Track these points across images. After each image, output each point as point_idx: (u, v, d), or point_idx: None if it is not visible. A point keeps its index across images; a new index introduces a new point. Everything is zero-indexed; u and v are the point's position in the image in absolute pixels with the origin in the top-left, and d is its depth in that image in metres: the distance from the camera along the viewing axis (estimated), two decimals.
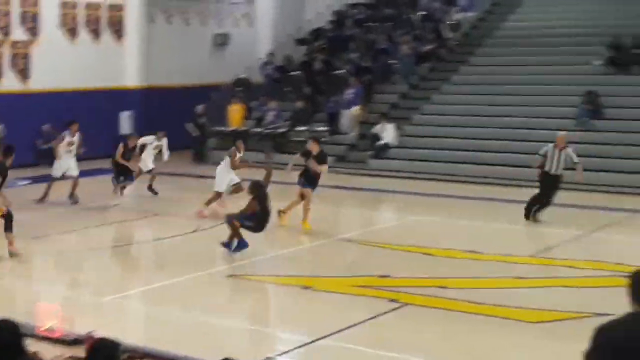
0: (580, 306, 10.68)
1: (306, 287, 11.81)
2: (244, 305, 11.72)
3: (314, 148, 16.34)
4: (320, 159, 16.20)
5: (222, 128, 27.12)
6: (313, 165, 15.83)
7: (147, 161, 19.30)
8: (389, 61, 28.12)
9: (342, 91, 26.50)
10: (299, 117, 26.37)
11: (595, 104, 23.13)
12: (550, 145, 16.55)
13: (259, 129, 26.44)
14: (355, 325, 9.99)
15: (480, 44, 28.90)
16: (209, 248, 14.01)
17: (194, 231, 15.30)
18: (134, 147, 18.64)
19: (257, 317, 11.03)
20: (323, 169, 16.18)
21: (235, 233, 13.08)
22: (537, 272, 12.84)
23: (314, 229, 15.30)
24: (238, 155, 17.45)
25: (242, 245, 13.07)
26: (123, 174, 18.39)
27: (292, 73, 29.29)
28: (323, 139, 24.47)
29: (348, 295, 11.46)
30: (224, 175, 17.26)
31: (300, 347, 9.36)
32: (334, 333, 9.63)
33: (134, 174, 18.77)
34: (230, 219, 13.15)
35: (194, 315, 10.34)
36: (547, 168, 16.46)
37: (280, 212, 15.62)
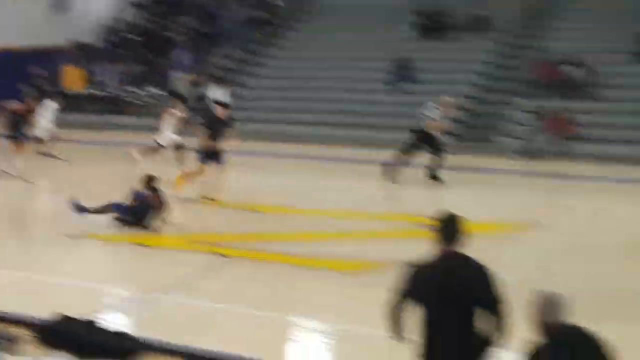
0: (387, 255, 11.08)
1: (140, 244, 11.90)
2: (77, 262, 11.51)
3: (221, 113, 15.11)
4: (227, 125, 15.07)
5: (62, 91, 26.59)
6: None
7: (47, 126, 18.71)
8: (224, 26, 28.31)
9: (178, 55, 26.51)
10: (137, 80, 26.22)
11: (406, 69, 24.22)
12: (431, 105, 16.91)
13: (97, 92, 26.14)
14: (185, 278, 10.23)
15: (309, 11, 29.39)
16: (47, 207, 13.93)
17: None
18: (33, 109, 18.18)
19: (90, 274, 10.86)
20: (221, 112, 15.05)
21: (102, 211, 12.69)
22: (350, 225, 13.22)
23: None
24: (174, 113, 16.91)
25: (81, 209, 12.79)
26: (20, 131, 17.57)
27: (130, 37, 28.97)
28: (159, 103, 24.58)
29: (180, 251, 11.67)
30: (166, 131, 17.02)
31: (131, 301, 9.47)
32: (165, 287, 9.83)
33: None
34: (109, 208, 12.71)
35: (27, 273, 10.26)
36: (429, 128, 16.68)
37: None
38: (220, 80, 25.28)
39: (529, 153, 20.49)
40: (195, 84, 25.90)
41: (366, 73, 24.89)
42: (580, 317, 8.70)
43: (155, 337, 7.92)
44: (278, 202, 14.69)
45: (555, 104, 21.49)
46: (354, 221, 13.71)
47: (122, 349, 7.69)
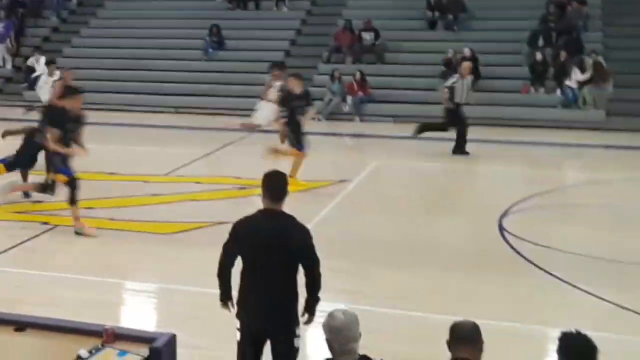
0: (205, 217, 11.33)
1: None
2: None
3: (296, 87, 12.60)
4: (307, 100, 12.85)
5: None
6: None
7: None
8: None
9: None
10: None
11: (219, 37, 24.31)
12: (456, 75, 16.07)
13: None
14: (11, 248, 10.07)
15: None
16: None
17: None
18: None
19: None
20: (309, 115, 12.93)
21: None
22: (170, 189, 13.22)
23: None
24: (274, 84, 14.22)
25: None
26: None
27: None
28: None
29: (4, 222, 11.39)
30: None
31: None
32: None
33: None
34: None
35: None
36: (457, 99, 15.60)
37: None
38: (39, 49, 24.44)
39: (334, 114, 21.16)
40: (14, 52, 24.92)
41: (182, 41, 24.77)
42: (386, 263, 9.41)
43: None
44: (97, 169, 14.28)
45: (354, 68, 22.22)
46: (172, 185, 13.69)
47: None
